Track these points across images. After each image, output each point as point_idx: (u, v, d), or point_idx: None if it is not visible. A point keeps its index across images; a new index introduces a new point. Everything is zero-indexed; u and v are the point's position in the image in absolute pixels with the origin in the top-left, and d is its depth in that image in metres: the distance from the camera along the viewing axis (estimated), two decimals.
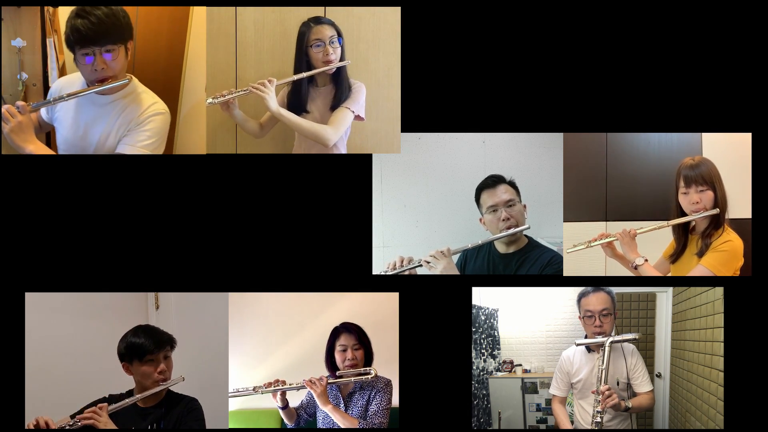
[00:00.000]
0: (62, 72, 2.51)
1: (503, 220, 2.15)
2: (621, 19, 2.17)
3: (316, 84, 2.27)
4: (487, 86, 2.17)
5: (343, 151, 2.27)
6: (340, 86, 2.24)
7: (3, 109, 1.96)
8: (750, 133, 2.18)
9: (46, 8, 2.30)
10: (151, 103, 2.12)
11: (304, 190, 2.16)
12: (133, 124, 2.08)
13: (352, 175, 2.17)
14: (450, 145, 2.58)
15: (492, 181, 2.19)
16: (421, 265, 2.12)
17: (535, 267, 2.13)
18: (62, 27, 2.37)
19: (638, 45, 2.17)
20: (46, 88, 2.33)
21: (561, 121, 2.19)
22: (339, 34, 2.21)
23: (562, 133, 2.27)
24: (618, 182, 2.51)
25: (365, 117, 2.29)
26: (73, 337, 2.25)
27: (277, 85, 2.17)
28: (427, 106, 2.18)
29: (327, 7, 2.29)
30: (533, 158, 2.46)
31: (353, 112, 2.23)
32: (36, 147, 2.01)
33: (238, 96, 2.16)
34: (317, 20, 2.20)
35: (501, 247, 2.22)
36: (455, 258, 2.16)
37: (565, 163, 2.33)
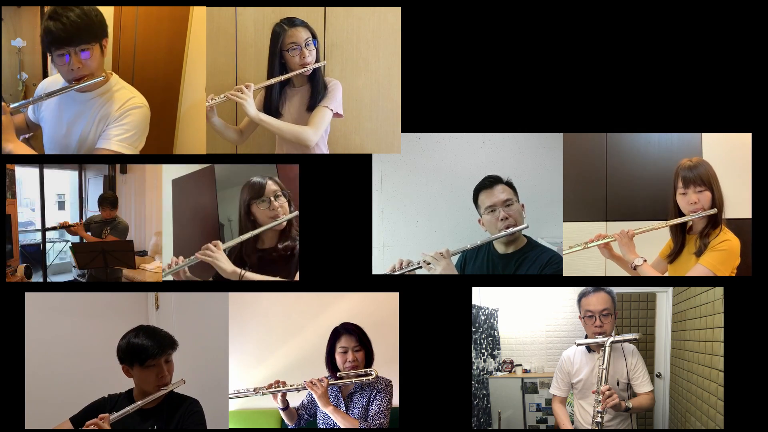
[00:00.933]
0: None
1: (502, 219, 2.13)
2: (621, 19, 2.17)
3: (292, 85, 2.26)
4: (487, 86, 2.17)
5: (325, 150, 2.26)
6: (316, 86, 2.23)
7: None
8: (750, 133, 2.18)
9: (46, 8, 2.30)
10: (129, 97, 2.12)
11: (304, 190, 2.16)
12: (111, 119, 2.09)
13: (352, 175, 2.17)
14: (450, 145, 2.58)
15: (489, 182, 2.19)
16: (420, 267, 2.12)
17: (534, 267, 2.13)
18: None
19: (638, 45, 2.17)
20: None
21: (561, 121, 2.19)
22: (314, 36, 2.20)
23: (562, 133, 2.27)
24: (618, 182, 2.51)
25: (344, 113, 2.28)
26: (73, 337, 2.24)
27: (256, 90, 2.16)
28: (427, 106, 2.18)
29: (327, 7, 2.29)
30: (533, 158, 2.46)
31: (332, 110, 2.22)
32: (15, 146, 2.03)
33: (217, 104, 2.15)
34: (291, 22, 2.18)
35: (500, 248, 2.21)
36: (455, 259, 2.16)
37: (565, 163, 2.33)
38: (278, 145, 2.31)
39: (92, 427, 1.82)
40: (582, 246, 2.14)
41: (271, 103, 2.24)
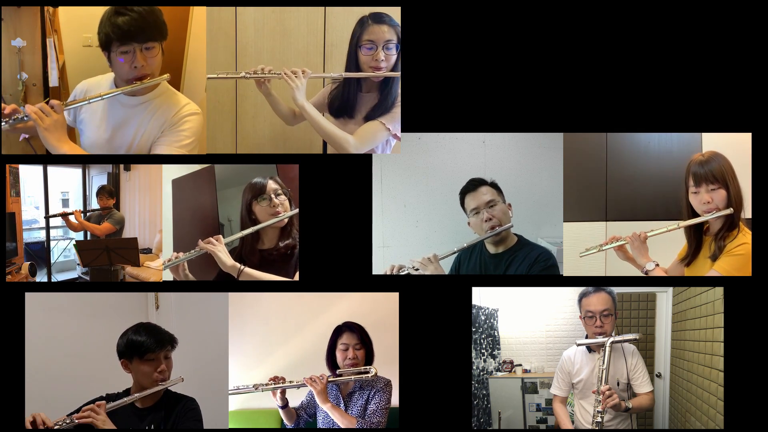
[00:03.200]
0: (62, 72, 2.52)
1: (486, 220, 2.15)
2: (621, 19, 2.17)
3: (360, 89, 2.15)
4: (487, 86, 2.17)
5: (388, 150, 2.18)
6: (384, 98, 2.10)
7: (36, 107, 1.91)
8: (750, 133, 2.18)
9: (46, 8, 2.31)
10: (185, 103, 2.07)
11: (304, 189, 2.16)
12: (167, 124, 2.03)
13: (352, 175, 2.17)
14: (450, 145, 2.58)
15: (473, 185, 2.19)
16: (409, 273, 2.13)
17: (523, 265, 2.13)
18: (62, 27, 2.37)
19: (638, 45, 2.17)
20: (46, 88, 2.33)
21: (561, 121, 2.19)
22: (399, 40, 2.06)
23: (562, 133, 2.27)
24: (618, 182, 2.51)
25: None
26: (73, 337, 2.24)
27: (313, 77, 2.06)
28: (427, 106, 2.18)
29: (327, 7, 2.29)
30: (533, 158, 2.46)
31: (388, 129, 2.10)
32: (70, 147, 1.96)
33: (270, 77, 2.06)
34: (378, 18, 2.05)
35: (491, 248, 2.22)
36: (448, 261, 2.16)
37: (565, 163, 2.33)
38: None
39: (87, 412, 1.80)
40: (597, 248, 2.09)
41: (347, 103, 2.13)
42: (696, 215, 1.95)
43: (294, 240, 2.11)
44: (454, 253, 2.18)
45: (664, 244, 2.07)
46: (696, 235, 2.00)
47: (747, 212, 1.94)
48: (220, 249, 1.99)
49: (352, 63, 2.08)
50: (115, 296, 2.26)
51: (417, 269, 2.11)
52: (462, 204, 2.23)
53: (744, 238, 1.88)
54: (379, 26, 2.04)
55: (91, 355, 2.21)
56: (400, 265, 2.14)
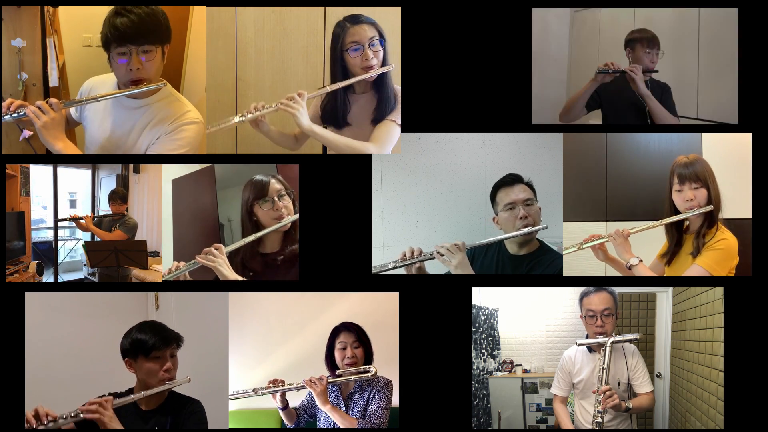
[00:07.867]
0: (62, 72, 2.51)
1: (521, 218, 2.09)
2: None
3: (353, 91, 2.11)
4: (487, 86, 2.17)
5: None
6: (383, 96, 2.07)
7: (35, 106, 1.93)
8: (750, 133, 2.18)
9: (46, 8, 2.30)
10: (185, 111, 2.03)
11: (304, 190, 2.16)
12: (163, 131, 2.00)
13: (352, 175, 2.17)
14: (450, 145, 2.58)
15: (510, 179, 2.15)
16: (433, 258, 2.04)
17: (548, 272, 2.09)
18: (62, 27, 2.37)
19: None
20: (46, 88, 2.33)
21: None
22: (381, 35, 2.04)
23: (562, 133, 2.27)
24: (618, 182, 2.51)
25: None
26: (73, 337, 2.24)
27: (310, 97, 2.01)
28: (427, 106, 2.18)
29: (327, 7, 2.29)
30: (533, 158, 2.46)
31: (400, 125, 2.07)
32: (65, 145, 1.96)
33: (268, 113, 2.01)
34: (355, 19, 2.02)
35: (512, 248, 2.18)
36: None
37: (565, 163, 2.33)
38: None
39: (94, 407, 1.75)
40: (576, 247, 2.11)
41: (337, 111, 2.09)
42: (677, 213, 2.05)
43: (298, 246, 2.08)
44: (483, 245, 2.11)
45: (642, 245, 2.10)
46: (677, 233, 2.09)
47: (730, 212, 2.03)
48: (220, 263, 1.93)
49: (338, 69, 2.05)
50: (115, 296, 2.26)
51: (443, 255, 2.02)
52: (493, 197, 2.17)
53: (723, 235, 1.99)
54: (359, 26, 2.01)
55: (91, 355, 2.21)
56: (420, 249, 2.05)
